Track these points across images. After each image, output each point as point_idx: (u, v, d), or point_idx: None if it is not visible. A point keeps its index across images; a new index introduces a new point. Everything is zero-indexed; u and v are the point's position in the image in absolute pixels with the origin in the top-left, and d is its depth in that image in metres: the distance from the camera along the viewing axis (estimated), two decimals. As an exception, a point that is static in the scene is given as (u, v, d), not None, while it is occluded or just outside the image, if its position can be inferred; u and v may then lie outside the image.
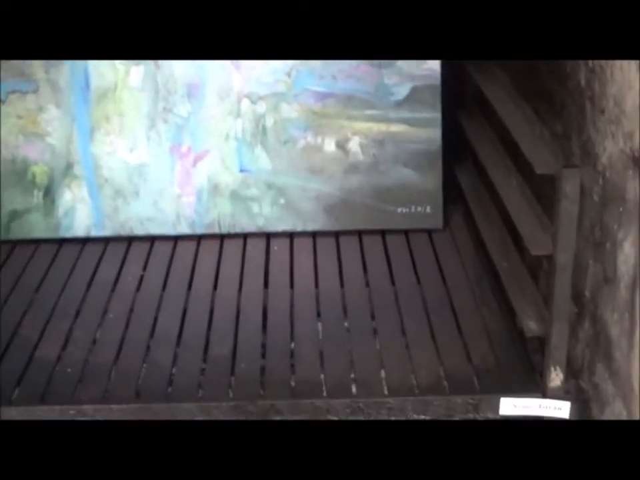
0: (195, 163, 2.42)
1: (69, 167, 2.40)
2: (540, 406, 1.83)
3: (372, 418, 1.84)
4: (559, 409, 1.83)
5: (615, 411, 1.89)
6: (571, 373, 2.15)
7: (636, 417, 1.76)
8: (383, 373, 1.92)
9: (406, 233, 2.44)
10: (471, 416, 1.86)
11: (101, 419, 1.81)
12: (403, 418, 1.85)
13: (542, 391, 1.85)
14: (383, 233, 2.44)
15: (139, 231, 2.42)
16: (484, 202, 2.41)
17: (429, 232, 2.44)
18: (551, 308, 1.80)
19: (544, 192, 1.94)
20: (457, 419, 2.01)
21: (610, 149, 1.84)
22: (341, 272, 2.29)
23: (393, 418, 1.86)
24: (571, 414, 2.09)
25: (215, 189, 2.43)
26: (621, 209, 1.81)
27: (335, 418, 1.84)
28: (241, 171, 2.42)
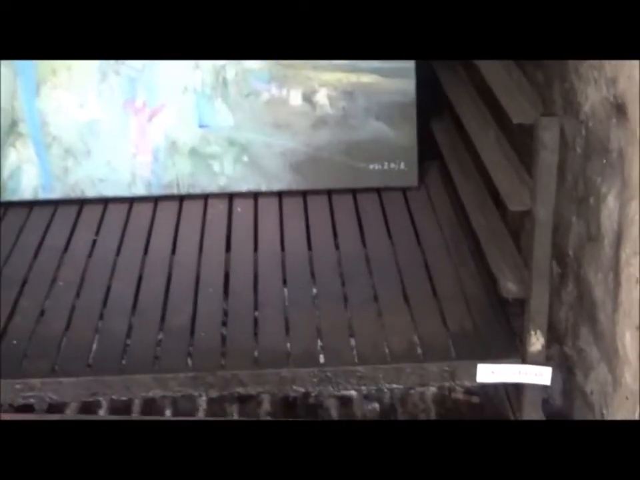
0: (150, 118, 2.40)
1: (13, 124, 2.37)
2: (519, 372, 1.84)
3: (341, 388, 1.84)
4: (540, 375, 1.83)
5: (600, 377, 1.90)
6: (555, 338, 2.17)
7: (622, 382, 1.78)
8: (352, 341, 1.92)
9: (378, 191, 2.43)
10: (446, 384, 1.87)
11: (49, 393, 1.81)
12: (374, 387, 1.86)
13: (521, 357, 1.85)
14: (353, 192, 2.43)
15: (91, 192, 2.40)
16: (462, 157, 2.40)
17: (403, 190, 2.43)
18: (530, 268, 1.79)
19: (524, 145, 1.93)
20: (433, 386, 2.03)
21: (592, 97, 1.84)
22: (308, 234, 2.28)
23: (363, 387, 1.86)
24: (554, 381, 2.11)
25: (172, 146, 2.40)
26: (604, 161, 1.82)
27: (301, 389, 1.84)
28: (201, 126, 2.40)
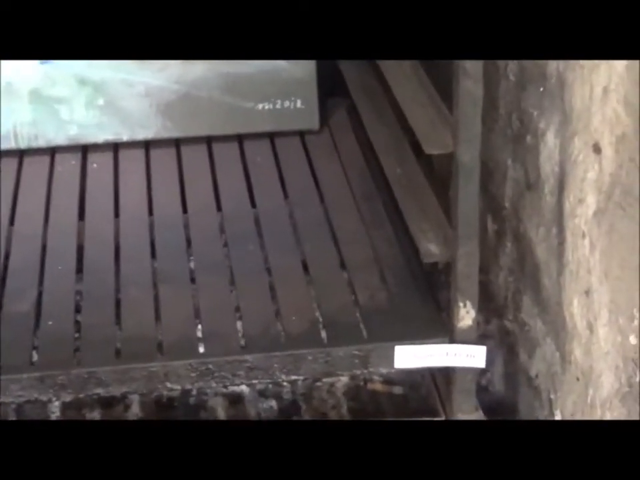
0: (-23, 54, 2.37)
1: None
2: (447, 354, 1.85)
3: (227, 382, 1.84)
4: (472, 357, 1.85)
5: (547, 356, 1.93)
6: (493, 310, 2.20)
7: (571, 360, 1.81)
8: (239, 324, 1.92)
9: (271, 136, 2.44)
10: (357, 372, 1.87)
11: None
12: (269, 380, 1.87)
13: (449, 335, 1.86)
14: (239, 139, 2.43)
15: None
16: (373, 93, 2.42)
17: (301, 134, 2.44)
18: (455, 225, 1.80)
19: (446, 76, 1.94)
20: (343, 376, 2.04)
21: (525, 11, 1.86)
22: (183, 193, 2.27)
23: (255, 381, 1.86)
24: (493, 363, 2.14)
25: (7, 88, 2.37)
26: (541, 89, 1.84)
27: (178, 386, 1.84)
28: (43, 62, 2.37)
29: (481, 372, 2.05)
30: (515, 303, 2.07)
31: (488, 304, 2.19)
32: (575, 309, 1.77)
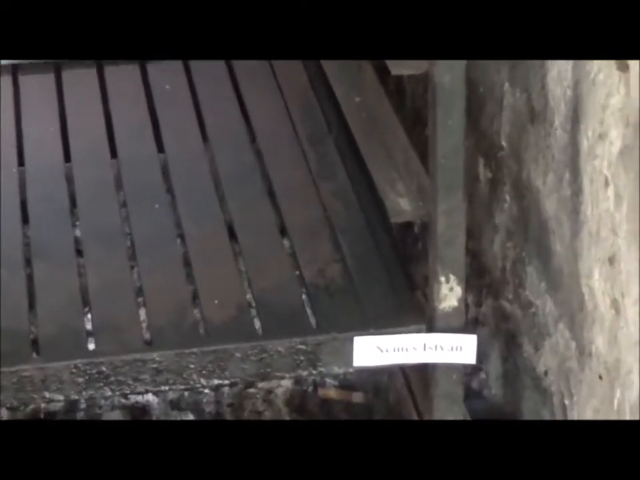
0: None
1: None
2: (425, 346, 1.85)
3: (126, 390, 1.82)
4: (459, 350, 1.84)
5: (559, 347, 1.94)
6: (487, 287, 2.20)
7: (591, 351, 1.82)
8: (142, 312, 1.92)
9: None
10: (303, 374, 1.86)
11: None
12: (183, 386, 1.85)
13: (427, 320, 1.86)
14: (141, 63, 2.43)
15: None
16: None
17: (225, 54, 2.46)
18: (434, 172, 1.80)
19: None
20: (285, 380, 2.05)
21: None
22: (65, 134, 2.28)
23: (164, 388, 1.84)
24: (488, 356, 2.15)
25: None
26: (547, -14, 1.85)
27: (59, 396, 1.82)
28: None
29: (471, 370, 2.08)
30: (515, 277, 2.09)
31: (479, 278, 2.22)
32: (596, 282, 1.78)
